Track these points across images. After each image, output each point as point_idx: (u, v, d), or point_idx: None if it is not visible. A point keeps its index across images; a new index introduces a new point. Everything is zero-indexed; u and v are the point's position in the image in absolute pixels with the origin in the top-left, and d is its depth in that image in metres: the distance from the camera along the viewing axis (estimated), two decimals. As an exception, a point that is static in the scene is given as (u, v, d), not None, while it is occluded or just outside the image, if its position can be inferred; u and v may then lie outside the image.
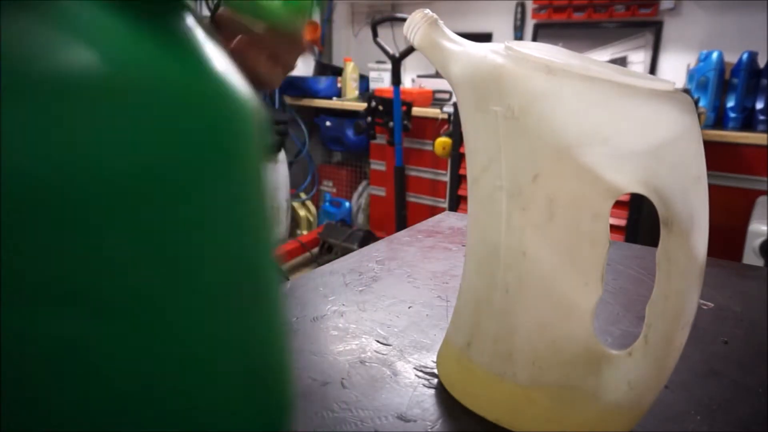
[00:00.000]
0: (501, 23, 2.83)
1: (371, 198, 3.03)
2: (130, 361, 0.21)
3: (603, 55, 2.52)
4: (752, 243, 1.65)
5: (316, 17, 3.31)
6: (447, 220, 0.85)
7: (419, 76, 2.90)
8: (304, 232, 3.12)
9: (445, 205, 2.59)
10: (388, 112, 2.50)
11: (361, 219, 3.19)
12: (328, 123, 3.08)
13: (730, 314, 0.55)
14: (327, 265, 0.65)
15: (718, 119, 2.11)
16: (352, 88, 3.07)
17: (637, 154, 0.30)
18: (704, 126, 2.06)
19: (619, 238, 2.01)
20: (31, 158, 0.19)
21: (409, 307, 0.54)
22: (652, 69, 2.44)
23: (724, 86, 2.09)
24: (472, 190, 0.37)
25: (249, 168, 0.26)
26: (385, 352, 0.46)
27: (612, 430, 0.35)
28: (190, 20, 0.26)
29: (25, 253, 0.19)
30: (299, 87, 3.05)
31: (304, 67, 3.37)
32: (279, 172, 2.91)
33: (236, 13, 0.45)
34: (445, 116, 2.48)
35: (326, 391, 0.40)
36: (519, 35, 2.75)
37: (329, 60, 3.46)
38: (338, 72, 3.16)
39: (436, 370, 0.43)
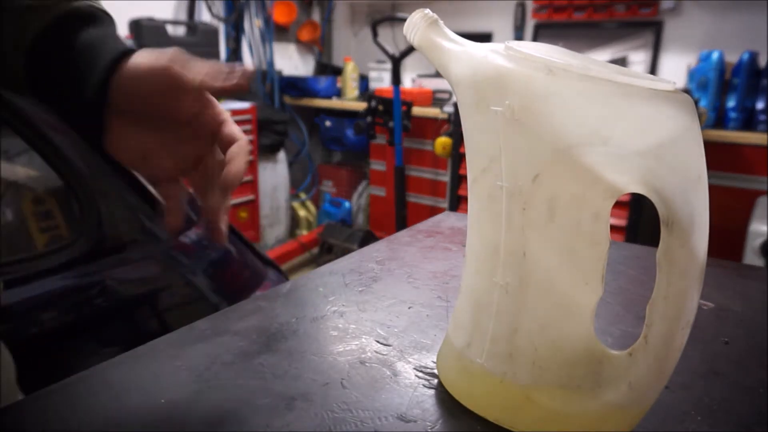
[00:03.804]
0: (501, 23, 2.83)
1: (371, 198, 3.03)
2: None
3: (603, 55, 2.52)
4: (752, 243, 1.65)
5: (316, 17, 3.31)
6: (447, 220, 0.85)
7: (419, 76, 2.90)
8: (304, 232, 3.12)
9: (446, 205, 2.59)
10: (388, 112, 2.50)
11: (361, 219, 3.19)
12: (328, 123, 3.08)
13: (731, 314, 0.55)
14: (327, 265, 0.65)
15: (719, 119, 2.11)
16: (352, 88, 3.07)
17: (638, 154, 0.30)
18: (704, 126, 2.06)
19: (619, 238, 2.01)
20: None
21: (409, 308, 0.54)
22: (653, 69, 2.44)
23: (724, 86, 2.09)
24: (473, 190, 0.37)
25: None
26: (385, 353, 0.46)
27: (612, 430, 0.35)
28: None
29: None
30: (299, 87, 3.05)
31: (304, 67, 3.37)
32: (279, 172, 2.92)
33: None
34: (445, 116, 2.48)
35: (326, 392, 0.40)
36: (519, 35, 2.76)
37: (329, 60, 3.46)
38: (338, 72, 3.16)
39: (436, 371, 0.43)
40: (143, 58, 0.41)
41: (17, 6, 0.40)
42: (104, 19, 0.43)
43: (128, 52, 0.41)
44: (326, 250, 2.80)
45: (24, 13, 0.40)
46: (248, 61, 2.94)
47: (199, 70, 0.41)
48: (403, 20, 0.58)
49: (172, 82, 0.41)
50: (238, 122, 2.66)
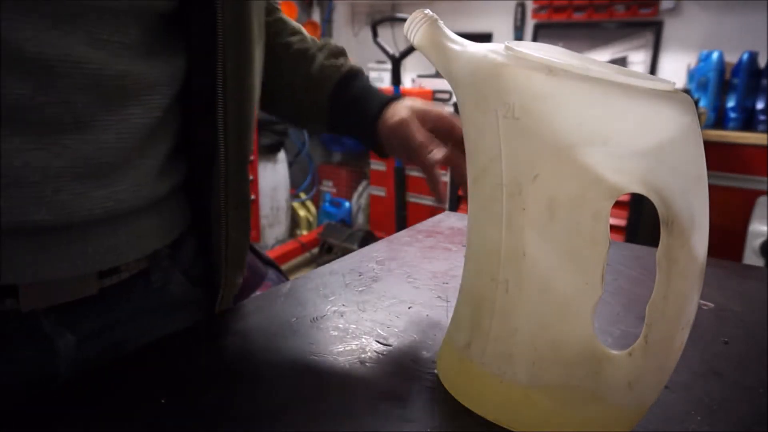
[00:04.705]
0: (501, 23, 2.83)
1: (371, 198, 3.03)
2: None
3: (603, 55, 2.52)
4: (752, 243, 1.65)
5: (316, 17, 3.31)
6: (447, 220, 0.85)
7: (419, 76, 2.90)
8: (304, 232, 3.12)
9: (446, 205, 2.59)
10: (388, 112, 2.50)
11: (361, 219, 3.19)
12: (328, 123, 3.07)
13: (731, 314, 0.55)
14: (327, 265, 0.65)
15: (719, 119, 2.11)
16: (352, 88, 3.06)
17: (638, 154, 0.30)
18: (704, 126, 2.06)
19: (619, 238, 2.01)
20: None
21: (409, 308, 0.54)
22: (653, 69, 2.44)
23: (724, 86, 2.09)
24: (472, 190, 0.37)
25: None
26: (385, 353, 0.46)
27: (612, 430, 0.35)
28: None
29: None
30: (299, 87, 3.04)
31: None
32: (279, 172, 2.91)
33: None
34: (445, 116, 2.47)
35: (326, 392, 0.40)
36: (519, 35, 2.76)
37: (329, 60, 3.46)
38: (338, 72, 3.16)
39: (436, 371, 0.43)
40: (399, 109, 0.60)
41: (320, 66, 0.63)
42: (363, 72, 0.65)
43: (391, 101, 0.61)
44: (326, 250, 2.80)
45: (324, 68, 0.63)
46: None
47: (422, 133, 0.58)
48: (403, 20, 0.58)
49: (406, 138, 0.58)
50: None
